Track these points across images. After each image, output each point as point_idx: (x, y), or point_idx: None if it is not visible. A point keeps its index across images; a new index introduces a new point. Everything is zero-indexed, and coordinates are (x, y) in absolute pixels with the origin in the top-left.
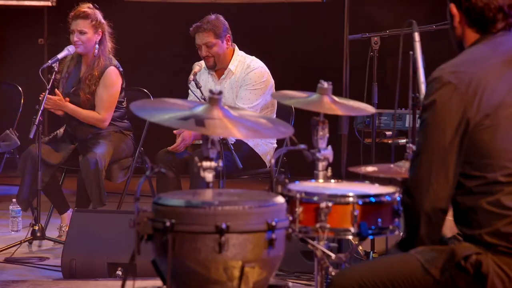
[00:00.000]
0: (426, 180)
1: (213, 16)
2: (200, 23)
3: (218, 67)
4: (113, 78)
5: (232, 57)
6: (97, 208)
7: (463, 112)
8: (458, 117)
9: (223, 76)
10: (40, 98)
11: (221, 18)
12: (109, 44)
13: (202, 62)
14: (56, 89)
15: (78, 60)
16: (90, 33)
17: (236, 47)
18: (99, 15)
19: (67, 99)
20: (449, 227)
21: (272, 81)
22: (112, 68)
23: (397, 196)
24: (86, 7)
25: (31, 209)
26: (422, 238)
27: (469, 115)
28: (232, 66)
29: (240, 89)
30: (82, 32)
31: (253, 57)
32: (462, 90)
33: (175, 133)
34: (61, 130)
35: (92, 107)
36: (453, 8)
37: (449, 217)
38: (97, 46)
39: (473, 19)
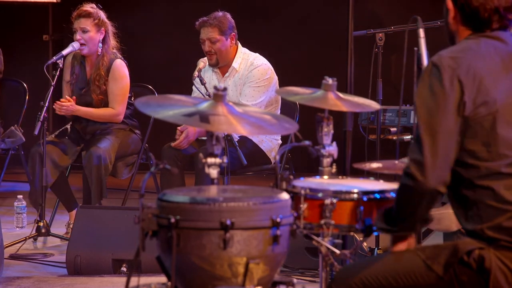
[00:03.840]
0: (430, 161)
1: (220, 13)
2: (206, 18)
3: (220, 65)
4: (121, 70)
5: (235, 54)
6: (96, 203)
7: (462, 94)
8: (458, 98)
9: (227, 74)
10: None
11: (228, 15)
12: (112, 42)
13: (206, 59)
14: (67, 96)
15: (81, 61)
16: (92, 31)
17: (240, 45)
18: (102, 14)
19: (74, 98)
20: (454, 220)
21: (276, 77)
22: (118, 61)
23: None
24: (89, 7)
25: (36, 207)
26: (417, 218)
27: (467, 98)
28: (235, 63)
29: (244, 86)
30: (84, 31)
31: (257, 54)
32: (462, 74)
33: (179, 129)
34: (68, 126)
35: (106, 105)
36: (449, 3)
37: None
38: (100, 45)
39: (467, 16)
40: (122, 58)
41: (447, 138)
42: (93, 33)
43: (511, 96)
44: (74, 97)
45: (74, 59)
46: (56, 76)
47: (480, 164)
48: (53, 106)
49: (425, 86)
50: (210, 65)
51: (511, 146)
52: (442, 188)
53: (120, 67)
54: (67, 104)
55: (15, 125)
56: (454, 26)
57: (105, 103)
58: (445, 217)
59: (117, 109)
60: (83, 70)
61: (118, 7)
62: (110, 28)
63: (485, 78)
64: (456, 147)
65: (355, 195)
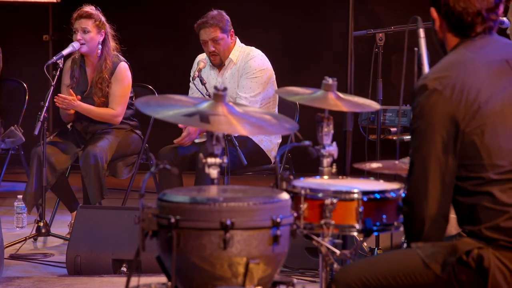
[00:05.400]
0: (424, 187)
1: (215, 12)
2: (204, 18)
3: (223, 63)
4: (125, 72)
5: (233, 49)
6: (96, 203)
7: (451, 116)
8: (447, 122)
9: (224, 67)
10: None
11: (223, 13)
12: (112, 44)
13: (204, 55)
14: (70, 90)
15: (81, 63)
16: (93, 32)
17: (238, 40)
18: (102, 16)
19: (78, 96)
20: (454, 224)
21: (273, 73)
22: (122, 64)
23: (402, 193)
24: (89, 8)
25: (36, 207)
26: (428, 240)
27: (457, 117)
28: (233, 56)
29: (241, 78)
30: (85, 31)
31: (253, 47)
32: (447, 95)
33: (180, 126)
34: (68, 126)
35: (106, 107)
36: (434, 13)
37: (454, 215)
38: (100, 46)
39: (452, 23)
40: (126, 61)
41: (439, 162)
42: (93, 34)
43: (498, 105)
44: (78, 96)
45: (73, 63)
46: (56, 76)
47: (475, 176)
48: (54, 99)
49: (415, 110)
50: (213, 65)
51: (502, 156)
52: (441, 211)
53: (124, 70)
54: (70, 98)
55: (15, 125)
56: (441, 34)
57: (106, 106)
58: None
59: (116, 110)
60: (83, 73)
61: (118, 8)
62: (109, 30)
63: (472, 91)
64: (452, 167)
65: (355, 195)
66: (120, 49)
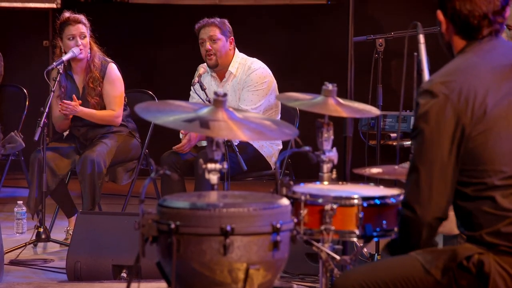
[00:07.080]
0: (427, 192)
1: (218, 18)
2: (206, 19)
3: (219, 68)
4: (117, 73)
5: (232, 59)
6: (88, 209)
7: (457, 121)
8: (453, 127)
9: (225, 79)
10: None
11: (226, 21)
12: (95, 47)
13: (205, 63)
14: (73, 95)
15: (68, 71)
16: (88, 36)
17: (237, 50)
18: None
19: (80, 101)
20: (456, 223)
21: (275, 81)
22: (112, 64)
23: (402, 198)
24: (71, 13)
25: (36, 213)
26: (420, 247)
27: (464, 122)
28: (232, 68)
29: (243, 91)
30: (82, 36)
31: (254, 58)
32: (454, 100)
33: (182, 132)
34: (64, 134)
35: (102, 108)
36: (440, 15)
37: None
38: (88, 50)
39: (458, 26)
40: (113, 61)
41: (444, 167)
42: (88, 38)
43: (503, 110)
44: (80, 101)
45: (58, 72)
46: (56, 81)
47: (477, 182)
48: (59, 104)
49: (420, 114)
50: (209, 66)
51: (505, 162)
52: (442, 214)
53: (115, 70)
54: (73, 104)
55: (15, 131)
56: (448, 37)
57: (101, 106)
58: (448, 220)
59: (117, 111)
60: (71, 81)
61: (121, 14)
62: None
63: (478, 96)
64: (454, 174)
65: (356, 201)
66: (104, 51)
